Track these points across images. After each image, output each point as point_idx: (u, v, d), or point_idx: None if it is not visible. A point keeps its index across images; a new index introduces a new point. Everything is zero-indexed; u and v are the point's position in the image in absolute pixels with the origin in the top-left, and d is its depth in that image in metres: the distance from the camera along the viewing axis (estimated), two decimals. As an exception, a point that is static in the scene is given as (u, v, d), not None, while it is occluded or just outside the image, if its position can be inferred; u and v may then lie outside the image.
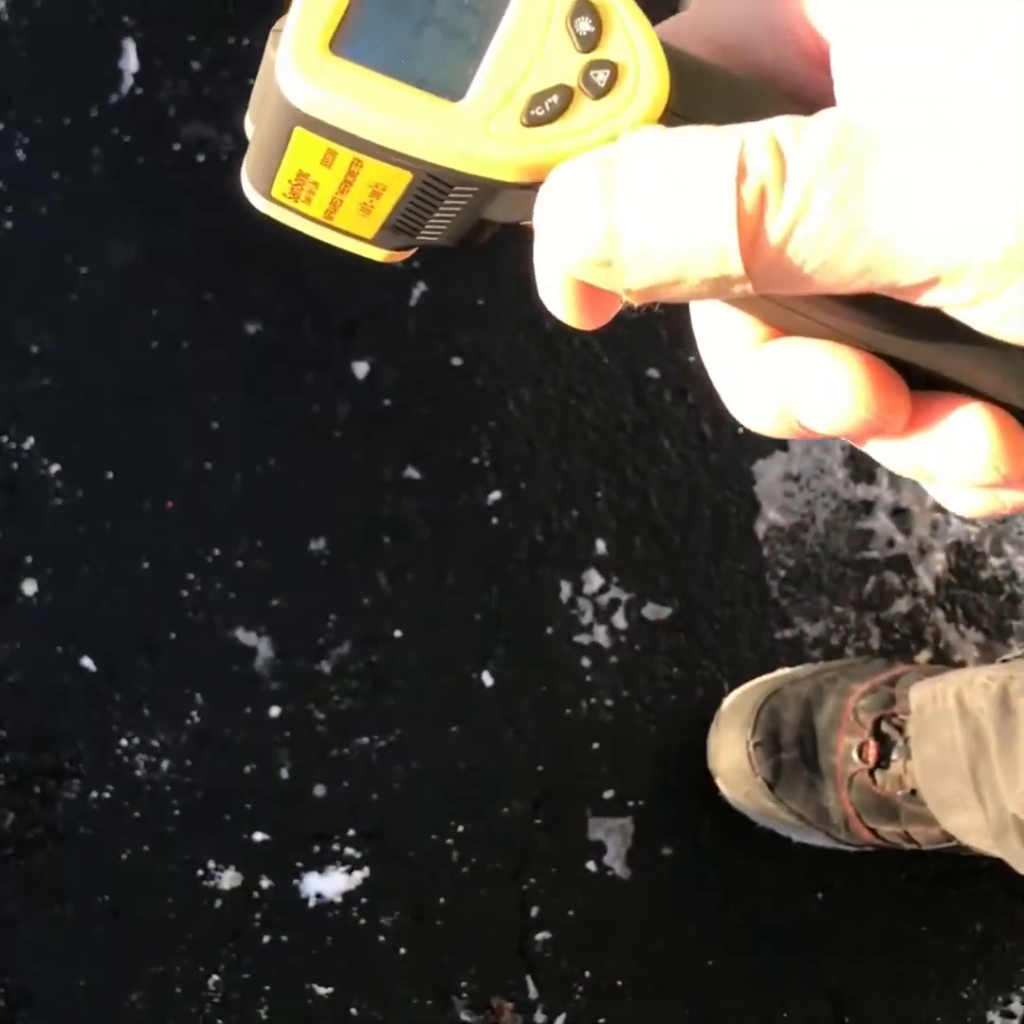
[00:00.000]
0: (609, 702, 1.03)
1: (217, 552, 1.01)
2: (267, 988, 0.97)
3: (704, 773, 1.01)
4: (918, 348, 0.27)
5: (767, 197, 0.23)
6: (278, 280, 1.05)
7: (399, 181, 0.27)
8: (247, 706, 1.00)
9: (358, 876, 0.99)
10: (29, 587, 1.00)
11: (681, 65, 0.26)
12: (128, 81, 1.07)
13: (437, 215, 0.28)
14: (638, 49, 0.26)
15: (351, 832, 0.99)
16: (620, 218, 0.24)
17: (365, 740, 1.00)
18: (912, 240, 0.23)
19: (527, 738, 1.02)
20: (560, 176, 0.25)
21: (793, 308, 0.27)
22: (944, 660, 1.05)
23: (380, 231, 0.29)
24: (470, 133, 0.26)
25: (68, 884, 0.97)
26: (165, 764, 0.99)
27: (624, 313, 0.29)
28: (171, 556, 1.01)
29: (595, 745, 1.02)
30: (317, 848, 0.99)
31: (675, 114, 0.26)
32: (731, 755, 0.98)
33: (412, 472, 1.04)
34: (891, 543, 1.06)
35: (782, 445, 1.08)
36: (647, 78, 0.26)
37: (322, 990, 0.97)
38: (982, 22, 0.24)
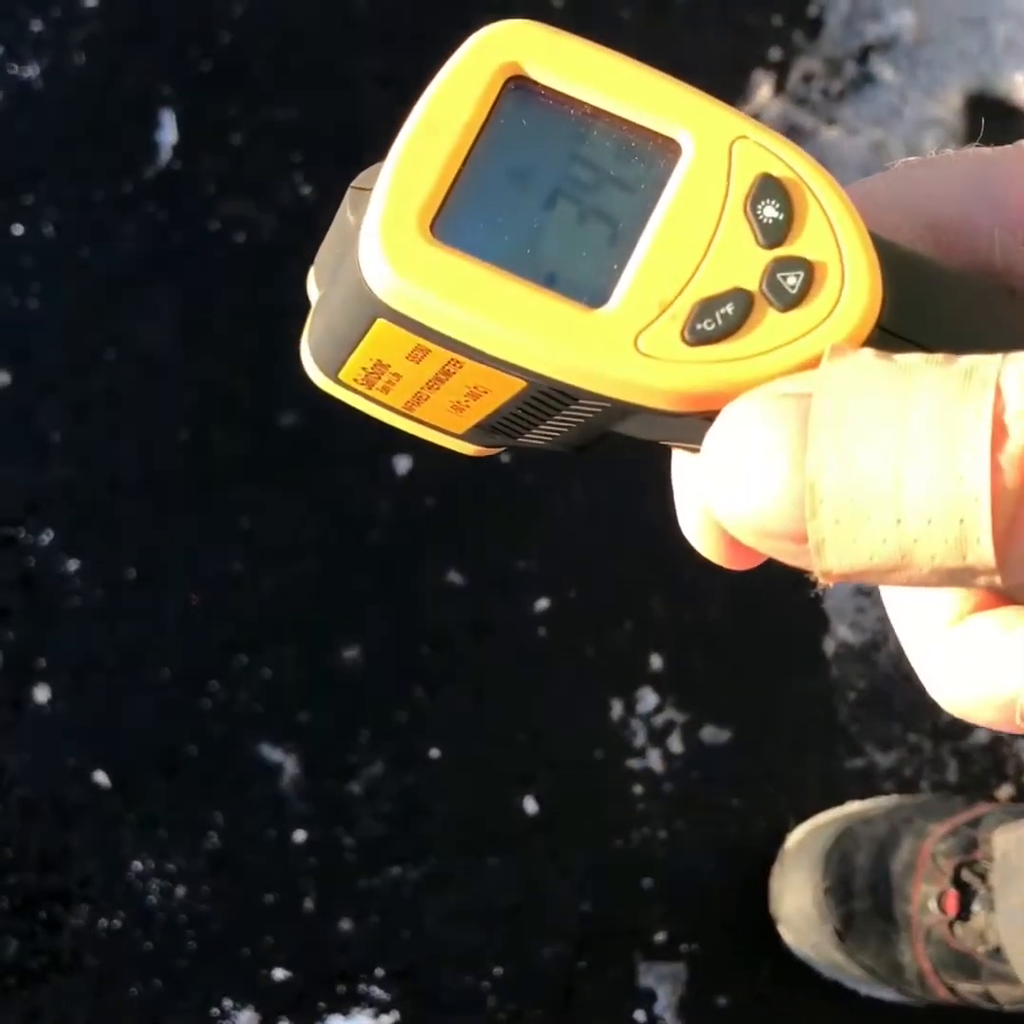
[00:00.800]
0: (662, 834, 0.96)
1: (244, 660, 0.96)
2: None
3: (766, 915, 0.94)
4: None
5: None
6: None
7: (508, 389, 0.22)
8: (271, 829, 0.94)
9: (386, 1020, 0.92)
10: (41, 694, 0.94)
11: (895, 265, 0.21)
12: (165, 154, 1.03)
13: (550, 424, 0.23)
14: (841, 243, 0.21)
15: (379, 972, 0.93)
16: (820, 477, 0.19)
17: (397, 870, 0.94)
18: None
19: (572, 872, 0.95)
20: (738, 415, 0.20)
21: None
22: (1029, 797, 0.98)
23: (473, 429, 0.25)
24: (613, 351, 0.21)
25: (72, 1019, 0.91)
26: (180, 891, 0.92)
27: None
28: (194, 663, 0.96)
29: (646, 882, 0.95)
30: (342, 988, 0.92)
31: (889, 333, 0.21)
32: (797, 900, 0.91)
33: (455, 577, 0.99)
34: (971, 666, 1.00)
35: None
36: (854, 283, 0.20)
37: None
38: None
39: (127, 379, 0.99)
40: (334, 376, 0.25)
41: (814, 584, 0.21)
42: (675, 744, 0.97)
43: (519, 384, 0.22)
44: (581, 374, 0.21)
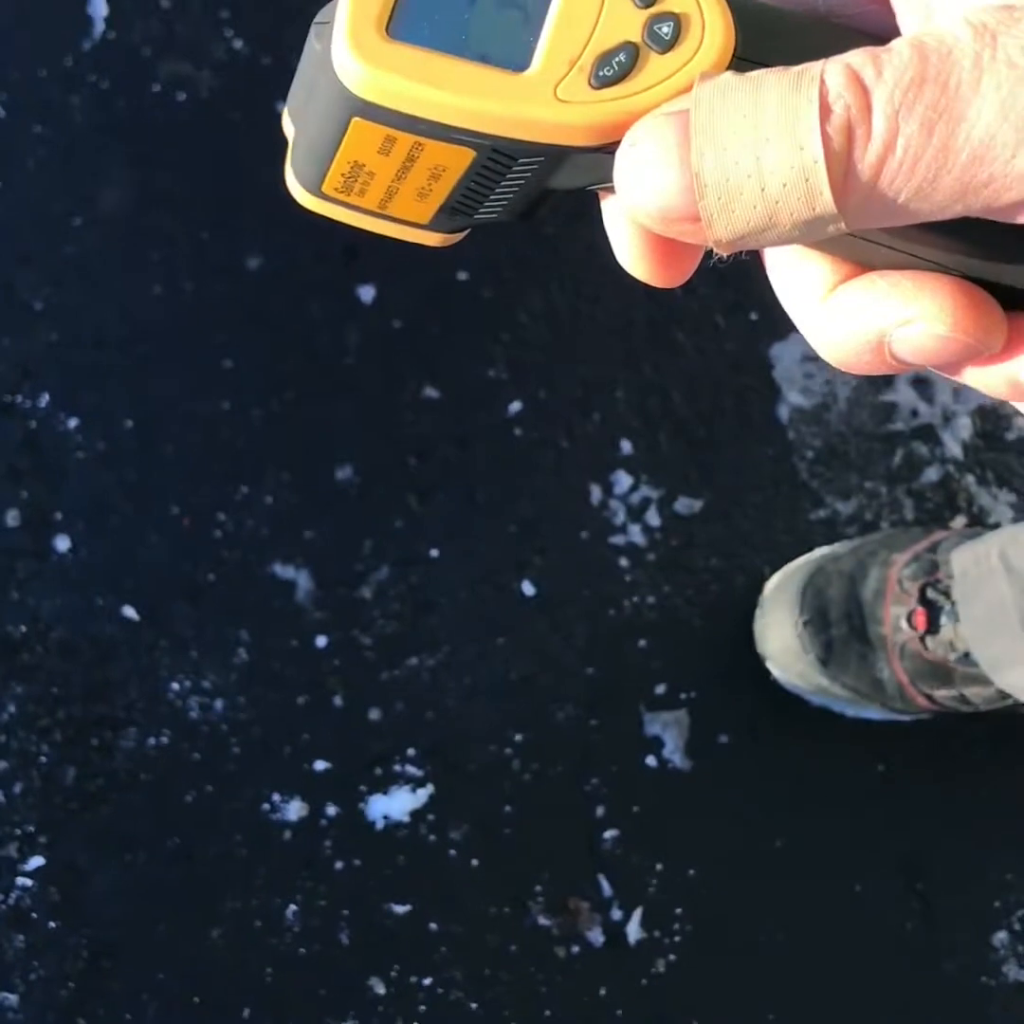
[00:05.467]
0: (651, 599, 1.13)
1: (245, 490, 1.11)
2: (345, 913, 1.08)
3: (754, 659, 1.12)
4: (1012, 270, 0.29)
5: (854, 131, 0.25)
6: (273, 212, 1.15)
7: (461, 160, 0.29)
8: (293, 639, 1.10)
9: (422, 794, 1.09)
10: (62, 543, 1.10)
11: (743, 10, 0.29)
12: (99, 26, 1.16)
13: (499, 190, 0.30)
14: None
15: (411, 751, 1.10)
16: (701, 167, 0.26)
17: (414, 660, 1.11)
18: (1005, 160, 0.25)
19: (574, 643, 1.12)
20: (637, 132, 0.27)
21: (881, 242, 0.29)
22: (980, 523, 1.16)
23: (437, 215, 0.31)
24: (539, 102, 0.28)
25: (136, 832, 1.08)
26: (219, 704, 1.09)
27: (704, 264, 0.32)
28: (200, 498, 1.11)
29: (642, 643, 1.13)
30: (379, 771, 1.09)
31: (743, 60, 0.28)
32: (780, 636, 1.09)
33: (430, 392, 1.14)
34: (915, 413, 1.17)
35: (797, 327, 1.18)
36: (712, 26, 0.28)
37: (399, 909, 1.08)
38: None
39: (95, 243, 1.14)
40: (317, 190, 0.31)
41: (714, 256, 0.28)
42: (652, 518, 1.15)
43: (469, 154, 0.29)
44: (517, 126, 0.28)
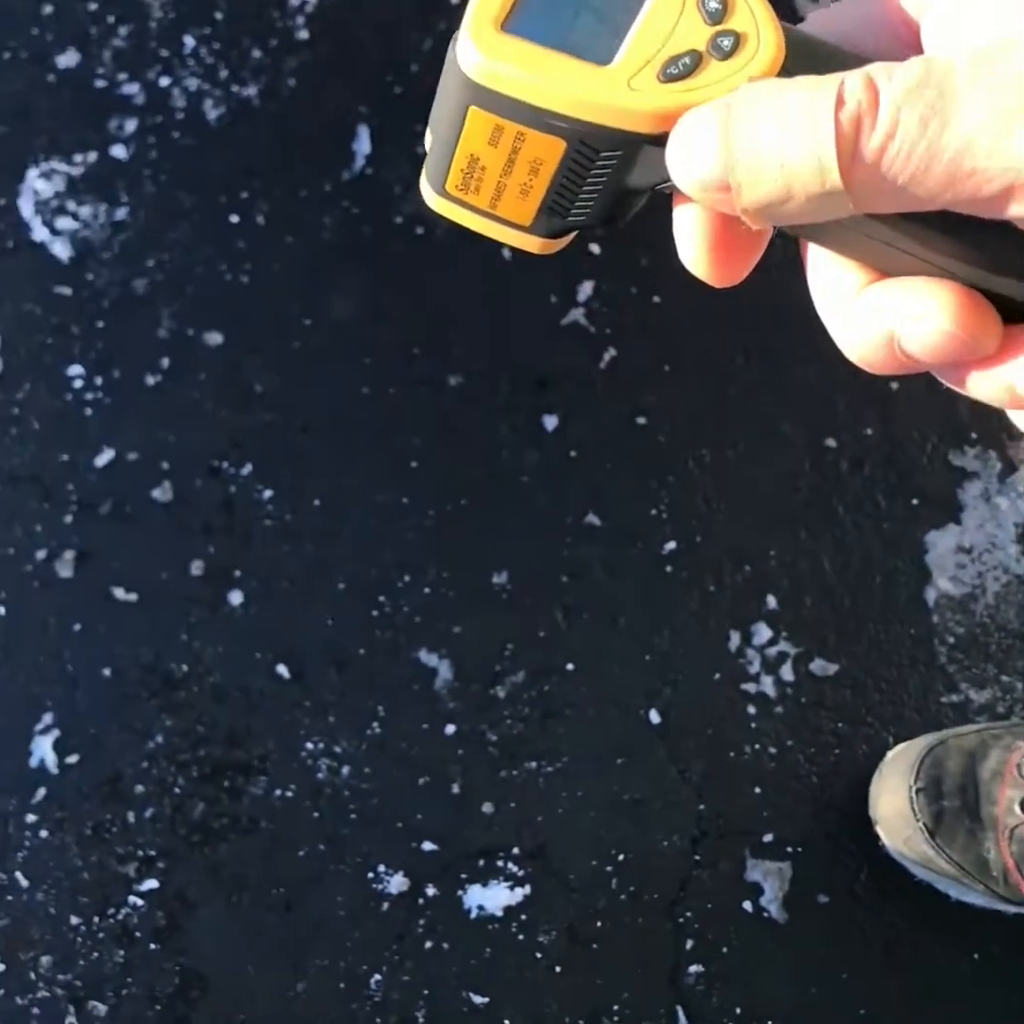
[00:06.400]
0: (772, 750, 1.18)
1: (407, 578, 1.21)
2: (426, 992, 1.12)
3: (865, 824, 1.14)
4: (1007, 282, 0.33)
5: (862, 120, 0.30)
6: (481, 339, 1.28)
7: (555, 152, 0.34)
8: (425, 722, 1.18)
9: (520, 892, 1.14)
10: (236, 597, 1.21)
11: (795, 38, 0.35)
12: (360, 161, 1.33)
13: (587, 187, 0.35)
14: (758, 22, 0.34)
15: (515, 850, 1.15)
16: (736, 145, 0.31)
17: (533, 764, 1.17)
18: (987, 154, 0.29)
19: (690, 777, 1.17)
20: (689, 115, 0.33)
21: (894, 244, 0.33)
22: (1113, 733, 1.18)
23: (537, 215, 0.36)
24: (615, 90, 0.33)
25: (247, 875, 1.15)
26: (345, 770, 1.17)
27: (758, 272, 0.37)
28: (366, 579, 1.21)
29: (757, 790, 1.17)
30: (482, 862, 1.15)
31: (788, 73, 0.33)
32: (892, 801, 1.12)
33: (593, 519, 1.23)
34: (1061, 616, 1.21)
35: (955, 518, 1.24)
36: (765, 43, 0.34)
37: (478, 999, 1.12)
38: None
39: (320, 342, 1.28)
40: (442, 189, 0.37)
41: (747, 226, 0.33)
42: (786, 673, 1.20)
43: (561, 145, 0.34)
44: (594, 109, 0.33)
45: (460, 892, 1.15)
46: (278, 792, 1.17)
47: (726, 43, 0.33)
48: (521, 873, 1.15)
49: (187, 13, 1.36)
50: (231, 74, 1.35)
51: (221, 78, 1.35)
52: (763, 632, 1.21)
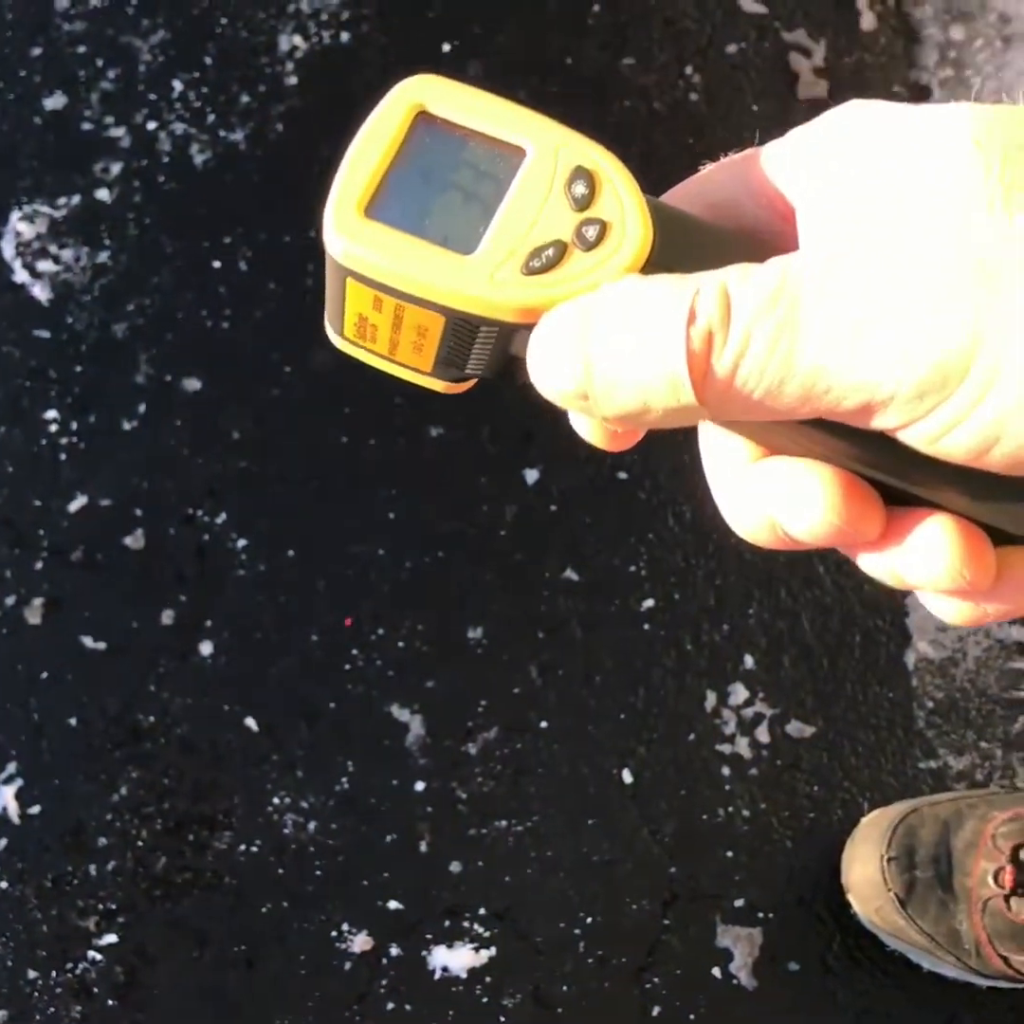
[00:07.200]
0: (746, 813, 1.17)
1: (381, 631, 1.21)
2: (386, 1055, 1.11)
3: (838, 891, 1.13)
4: (883, 466, 0.33)
5: (713, 337, 0.30)
6: (464, 394, 1.27)
7: (436, 323, 0.34)
8: (394, 778, 1.17)
9: (485, 954, 1.13)
10: (206, 648, 1.20)
11: (666, 220, 0.34)
12: (345, 208, 1.33)
13: (475, 351, 0.35)
14: (626, 208, 0.33)
15: (482, 910, 1.14)
16: (592, 358, 0.31)
17: (503, 823, 1.16)
18: (838, 372, 0.29)
19: (662, 839, 1.16)
20: (546, 322, 0.33)
21: (770, 430, 0.34)
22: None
23: (435, 365, 0.36)
24: (478, 283, 0.33)
25: (209, 930, 1.14)
26: (312, 825, 1.16)
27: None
28: (338, 632, 1.21)
29: (729, 853, 1.16)
30: (448, 922, 1.14)
31: (656, 264, 0.33)
32: (864, 869, 1.11)
33: (571, 574, 1.23)
34: (1042, 683, 1.20)
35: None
36: (631, 233, 0.33)
37: (439, 1064, 1.11)
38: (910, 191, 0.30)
39: (299, 391, 1.28)
40: (342, 335, 0.37)
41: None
42: (762, 734, 1.19)
43: (440, 319, 0.34)
44: (461, 299, 0.33)
45: (424, 952, 1.14)
46: (243, 847, 1.16)
47: (591, 233, 0.33)
48: (487, 934, 1.14)
49: (176, 57, 1.37)
50: (218, 119, 1.35)
51: (208, 123, 1.35)
52: (740, 692, 1.20)
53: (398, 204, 0.34)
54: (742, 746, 1.19)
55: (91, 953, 1.13)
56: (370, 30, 1.38)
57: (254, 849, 1.16)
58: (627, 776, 1.18)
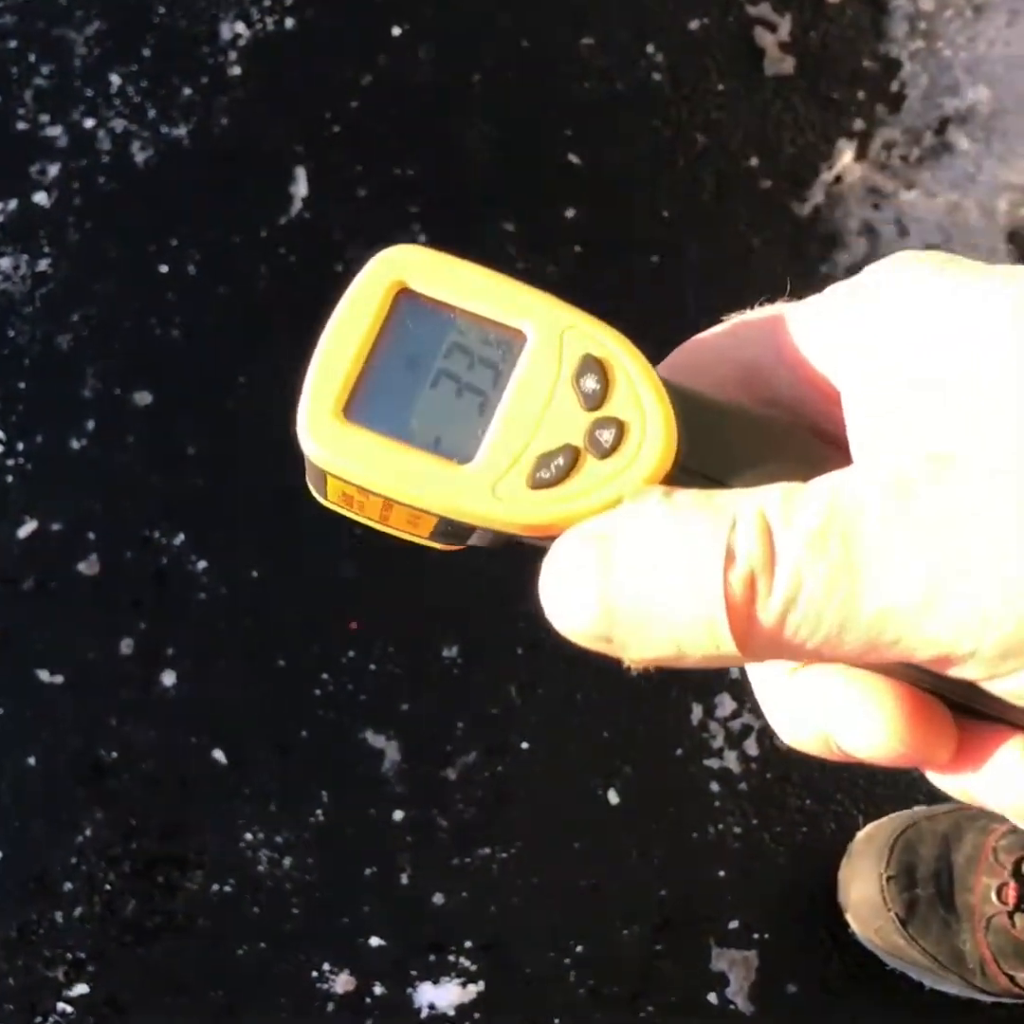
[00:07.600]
0: (737, 829, 1.13)
1: (351, 654, 1.16)
2: (374, 1099, 1.07)
3: (834, 908, 1.10)
4: (956, 691, 0.28)
5: (756, 583, 0.26)
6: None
7: (428, 519, 0.31)
8: (372, 808, 1.13)
9: (473, 989, 1.09)
10: (168, 678, 1.15)
11: (691, 411, 0.30)
12: (297, 205, 1.27)
13: (477, 535, 0.32)
14: (644, 405, 0.30)
15: (468, 944, 1.10)
16: (615, 600, 0.27)
17: (486, 850, 1.12)
18: (911, 627, 0.25)
19: (652, 860, 1.12)
20: (560, 551, 0.29)
21: None
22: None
23: (432, 535, 0.32)
24: (479, 497, 0.29)
25: (184, 976, 1.09)
26: (287, 861, 1.12)
27: None
28: (307, 656, 1.16)
29: (721, 873, 1.12)
30: (433, 957, 1.10)
31: (683, 468, 0.29)
32: (862, 888, 1.07)
33: (548, 587, 1.18)
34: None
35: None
36: (652, 435, 0.29)
37: (429, 1105, 1.07)
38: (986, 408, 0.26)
39: (256, 400, 1.22)
40: (326, 498, 0.33)
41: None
42: (751, 747, 1.15)
43: (433, 519, 0.31)
44: (458, 512, 0.30)
45: (410, 990, 1.10)
46: (215, 887, 1.11)
47: (606, 438, 0.29)
48: (474, 968, 1.10)
49: (113, 50, 1.30)
50: (160, 114, 1.29)
51: (149, 118, 1.28)
52: (727, 704, 1.16)
53: (381, 403, 0.30)
54: (731, 760, 1.15)
55: (61, 1005, 1.09)
56: (316, 15, 1.31)
57: (227, 888, 1.11)
58: (613, 796, 1.14)
